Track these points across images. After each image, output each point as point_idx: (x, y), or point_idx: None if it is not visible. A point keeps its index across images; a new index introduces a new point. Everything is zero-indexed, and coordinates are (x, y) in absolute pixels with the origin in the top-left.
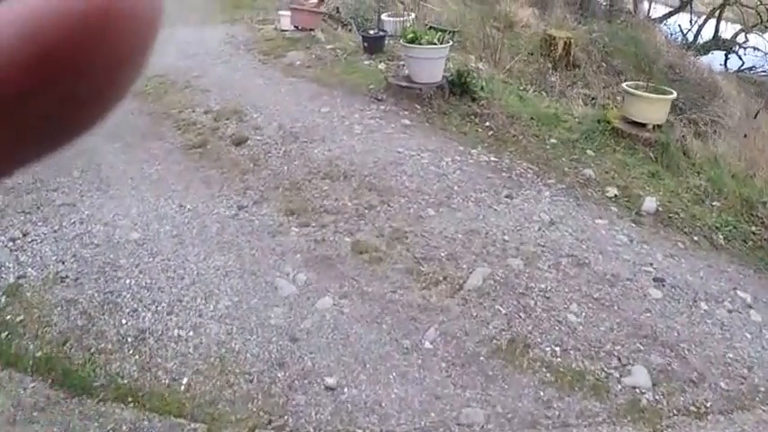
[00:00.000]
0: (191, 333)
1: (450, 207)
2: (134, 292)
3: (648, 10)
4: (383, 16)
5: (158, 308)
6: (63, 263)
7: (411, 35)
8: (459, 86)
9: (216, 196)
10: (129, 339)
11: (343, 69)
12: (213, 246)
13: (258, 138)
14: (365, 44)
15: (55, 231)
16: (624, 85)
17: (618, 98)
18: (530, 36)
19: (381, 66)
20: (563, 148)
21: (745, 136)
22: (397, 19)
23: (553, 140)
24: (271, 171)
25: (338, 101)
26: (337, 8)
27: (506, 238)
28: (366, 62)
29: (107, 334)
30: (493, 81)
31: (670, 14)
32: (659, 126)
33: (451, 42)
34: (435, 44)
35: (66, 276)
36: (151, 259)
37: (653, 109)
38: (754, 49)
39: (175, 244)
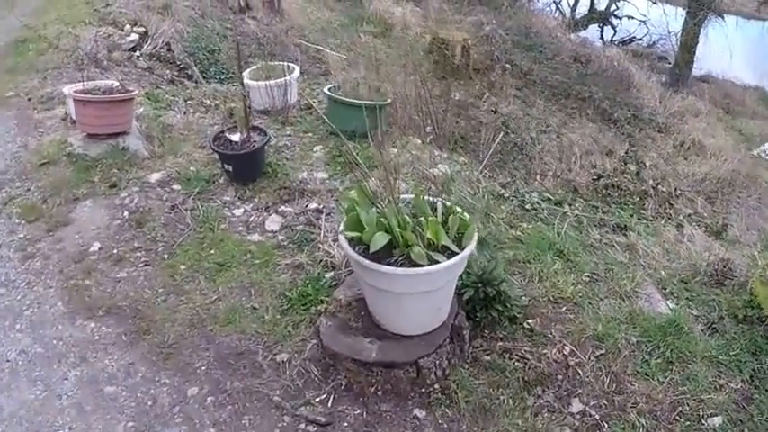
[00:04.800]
0: None
1: None
2: None
3: None
4: (246, 77)
5: None
6: None
7: (378, 234)
8: (484, 306)
9: None
10: None
11: (195, 259)
12: None
13: None
14: (226, 167)
15: None
16: None
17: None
18: (414, 39)
19: (273, 225)
20: None
21: None
22: (272, 82)
23: None
24: None
25: None
26: (168, 45)
27: None
28: (238, 213)
29: None
30: (486, 206)
31: None
32: None
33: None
34: (447, 252)
35: None
36: None
37: None
38: (629, 17)
39: None
